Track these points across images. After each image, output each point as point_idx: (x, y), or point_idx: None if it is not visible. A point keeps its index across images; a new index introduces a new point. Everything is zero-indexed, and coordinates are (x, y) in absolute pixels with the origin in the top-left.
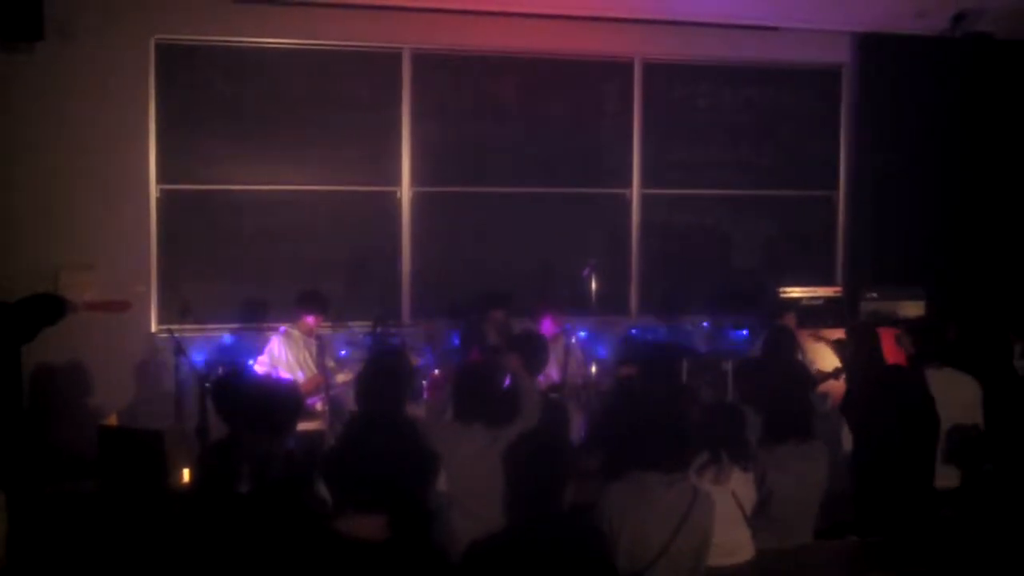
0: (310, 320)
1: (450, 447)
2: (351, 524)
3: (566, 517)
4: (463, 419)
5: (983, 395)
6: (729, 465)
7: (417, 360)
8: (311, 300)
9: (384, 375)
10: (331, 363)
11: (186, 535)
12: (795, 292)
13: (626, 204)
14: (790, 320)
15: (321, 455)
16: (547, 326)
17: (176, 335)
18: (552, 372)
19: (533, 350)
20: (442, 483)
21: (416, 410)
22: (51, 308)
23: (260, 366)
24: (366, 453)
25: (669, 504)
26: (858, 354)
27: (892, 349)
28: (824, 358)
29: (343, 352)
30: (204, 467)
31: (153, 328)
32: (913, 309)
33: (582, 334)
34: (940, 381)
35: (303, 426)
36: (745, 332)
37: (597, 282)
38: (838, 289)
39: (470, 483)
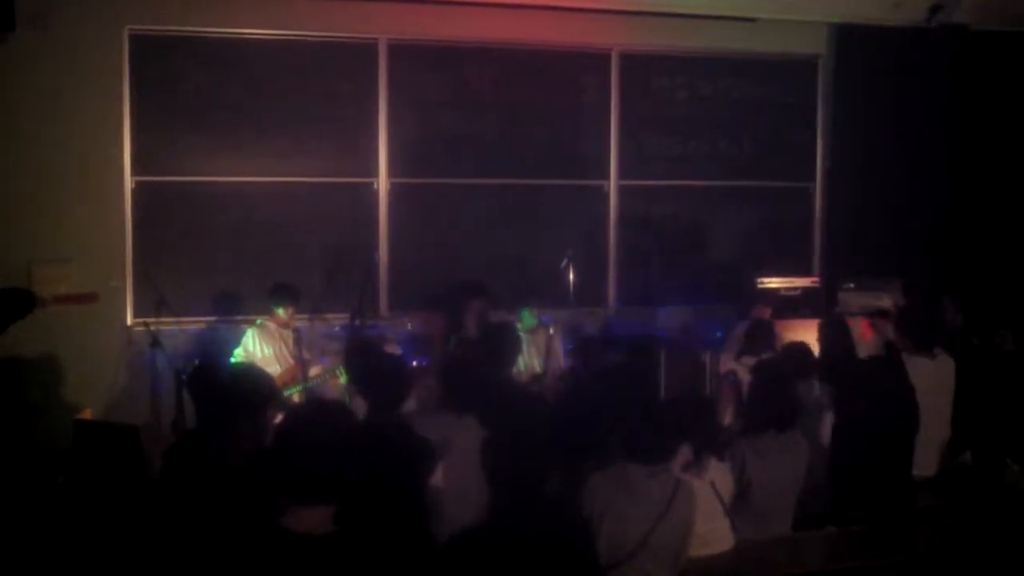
0: (283, 313)
1: (439, 439)
2: (295, 518)
3: (546, 506)
4: (452, 410)
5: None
6: (707, 456)
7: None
8: (281, 293)
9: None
10: (307, 355)
11: (149, 528)
12: (773, 283)
13: (604, 196)
14: (764, 312)
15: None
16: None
17: (152, 328)
18: (533, 364)
19: (504, 342)
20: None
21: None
22: (18, 302)
23: (236, 359)
24: (303, 446)
25: (650, 495)
26: (833, 348)
27: (868, 334)
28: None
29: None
30: (171, 460)
31: (129, 321)
32: (890, 299)
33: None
34: (929, 369)
35: (279, 419)
36: (719, 327)
37: (575, 274)
38: (816, 280)
39: (459, 474)
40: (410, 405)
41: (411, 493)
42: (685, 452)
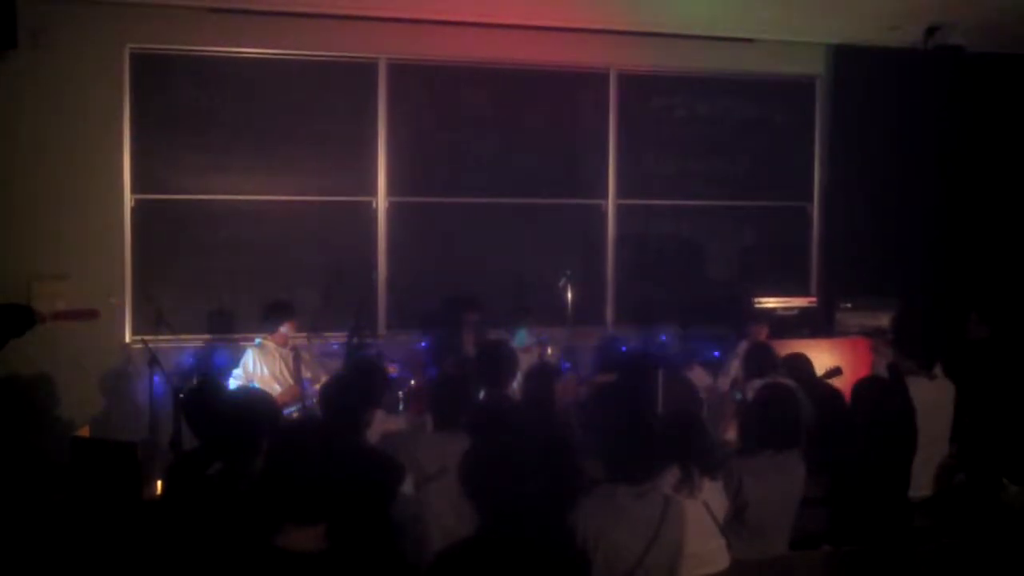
0: (282, 331)
1: (430, 458)
2: (290, 537)
3: (540, 525)
4: (444, 430)
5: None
6: (700, 477)
7: (394, 371)
8: (279, 310)
9: (345, 385)
10: (308, 373)
11: (147, 547)
12: (770, 302)
13: (602, 215)
14: (761, 332)
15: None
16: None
17: (150, 346)
18: None
19: (501, 360)
20: (411, 491)
21: (396, 421)
22: (17, 318)
23: (235, 380)
24: (296, 465)
25: (641, 517)
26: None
27: (866, 359)
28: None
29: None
30: (172, 479)
31: (127, 339)
32: (887, 319)
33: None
34: (926, 389)
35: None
36: (716, 347)
37: (573, 293)
38: (813, 299)
39: (453, 492)
40: (400, 422)
41: (383, 510)
42: (675, 472)
